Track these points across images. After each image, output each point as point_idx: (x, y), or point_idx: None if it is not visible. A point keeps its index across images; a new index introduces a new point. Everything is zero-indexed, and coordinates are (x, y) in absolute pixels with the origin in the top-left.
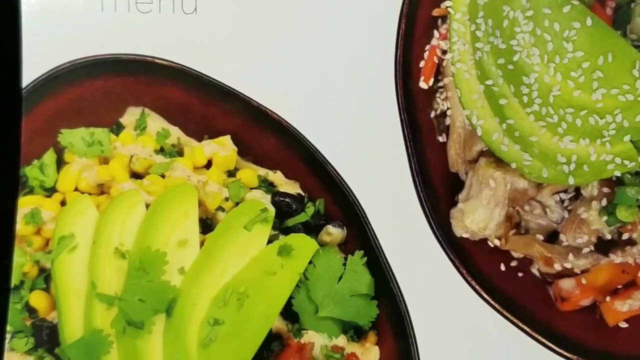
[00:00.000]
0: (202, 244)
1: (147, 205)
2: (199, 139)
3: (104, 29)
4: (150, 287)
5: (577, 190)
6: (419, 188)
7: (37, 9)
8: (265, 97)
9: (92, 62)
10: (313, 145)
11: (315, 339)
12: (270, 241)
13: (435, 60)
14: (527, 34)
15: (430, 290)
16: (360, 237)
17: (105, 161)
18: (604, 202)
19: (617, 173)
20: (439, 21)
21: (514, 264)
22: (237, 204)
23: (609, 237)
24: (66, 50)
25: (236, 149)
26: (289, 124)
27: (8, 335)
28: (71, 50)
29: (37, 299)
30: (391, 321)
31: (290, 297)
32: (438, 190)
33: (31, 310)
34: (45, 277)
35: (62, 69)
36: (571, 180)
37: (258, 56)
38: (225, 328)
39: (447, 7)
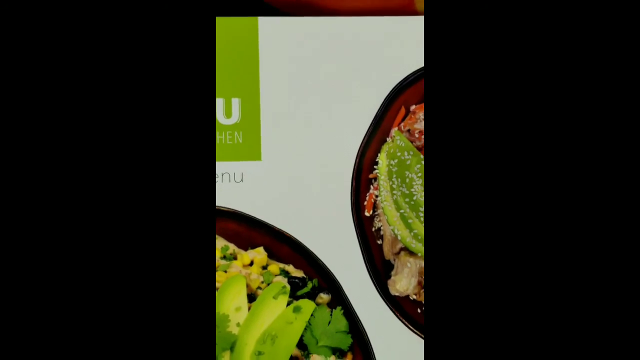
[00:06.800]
0: (249, 308)
1: None
2: (245, 249)
3: None
4: (220, 335)
5: None
6: (369, 269)
7: None
8: (280, 221)
9: None
10: (310, 249)
11: (317, 358)
12: (288, 304)
13: (372, 200)
14: (419, 184)
15: (381, 325)
16: (339, 299)
17: None
18: None
19: None
20: (373, 180)
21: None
22: (268, 284)
23: None
24: None
25: (266, 253)
26: (296, 238)
27: None
28: None
29: None
30: (359, 345)
31: (301, 336)
32: (380, 270)
33: None
34: None
35: None
36: None
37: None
38: (265, 357)
39: (376, 172)
